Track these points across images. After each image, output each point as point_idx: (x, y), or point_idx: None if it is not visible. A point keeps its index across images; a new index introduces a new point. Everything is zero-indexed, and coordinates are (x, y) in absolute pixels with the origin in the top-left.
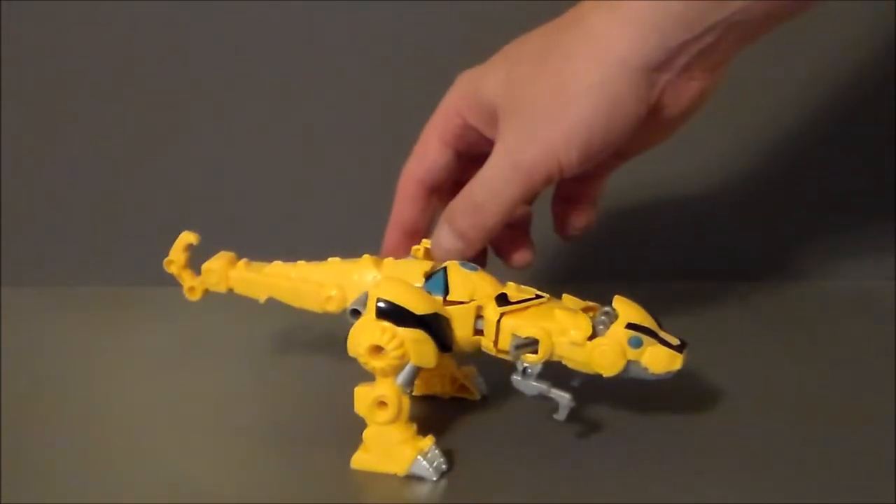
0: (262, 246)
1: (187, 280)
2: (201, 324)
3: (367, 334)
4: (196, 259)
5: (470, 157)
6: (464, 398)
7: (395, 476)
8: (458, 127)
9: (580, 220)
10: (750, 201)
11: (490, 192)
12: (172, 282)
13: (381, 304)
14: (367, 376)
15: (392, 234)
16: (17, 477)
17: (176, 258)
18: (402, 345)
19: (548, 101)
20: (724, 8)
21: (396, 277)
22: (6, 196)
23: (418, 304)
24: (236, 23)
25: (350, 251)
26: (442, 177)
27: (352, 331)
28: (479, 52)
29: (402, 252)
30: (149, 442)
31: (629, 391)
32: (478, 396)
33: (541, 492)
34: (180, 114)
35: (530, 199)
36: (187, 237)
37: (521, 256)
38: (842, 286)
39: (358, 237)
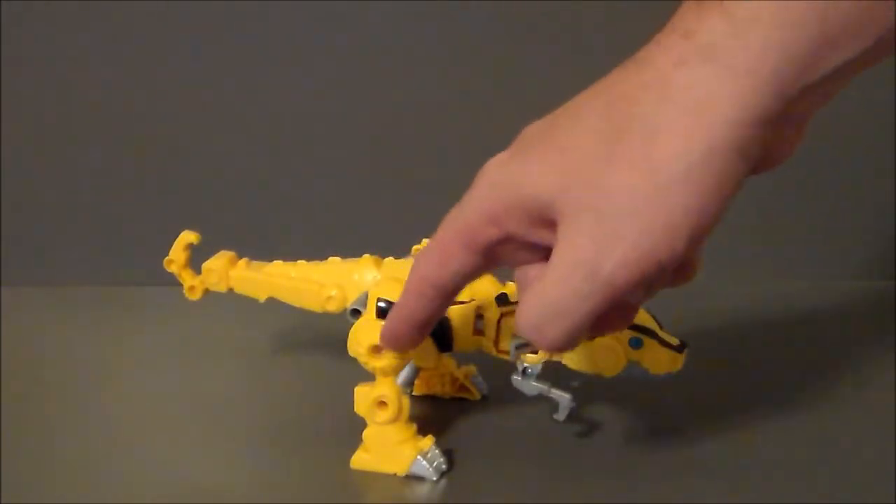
0: (262, 245)
1: (187, 279)
2: (201, 324)
3: (367, 334)
4: (196, 258)
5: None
6: (464, 398)
7: (395, 476)
8: (494, 237)
9: (620, 324)
10: (749, 201)
11: (550, 317)
12: (172, 282)
13: (382, 304)
14: (367, 376)
15: (402, 327)
16: (17, 477)
17: (176, 257)
18: None
19: (634, 191)
20: (852, 43)
21: (397, 277)
22: (6, 196)
23: None
24: (237, 22)
25: (350, 251)
26: (466, 282)
27: (352, 330)
28: (482, 54)
29: (410, 343)
30: (149, 442)
31: (629, 391)
32: (478, 396)
33: (541, 492)
34: (180, 114)
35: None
36: (187, 237)
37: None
38: (842, 286)
39: (358, 237)
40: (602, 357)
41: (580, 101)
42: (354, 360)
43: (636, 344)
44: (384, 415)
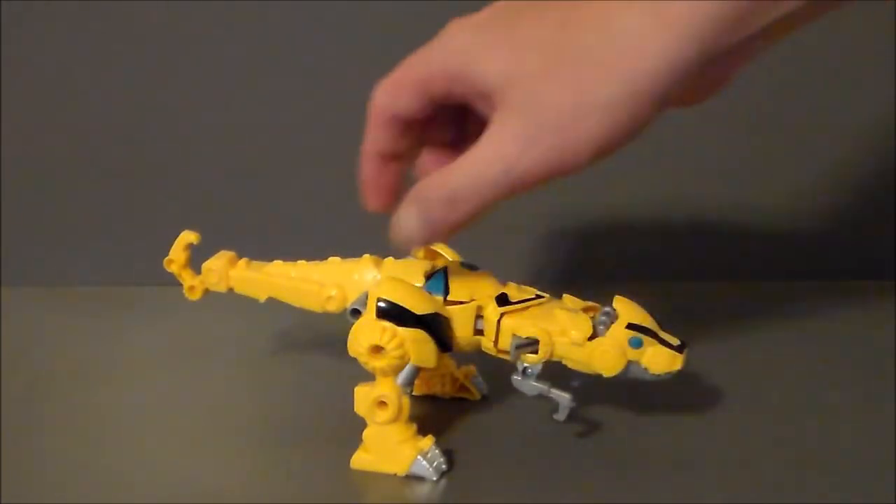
0: (261, 245)
1: (187, 279)
2: (201, 324)
3: (367, 334)
4: (196, 258)
5: (447, 106)
6: (464, 398)
7: (394, 476)
8: (444, 91)
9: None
10: (749, 201)
11: (472, 189)
12: (172, 282)
13: (382, 304)
14: (367, 376)
15: (369, 163)
16: (17, 477)
17: (176, 257)
18: (402, 345)
19: (561, 109)
20: (772, 9)
21: (397, 277)
22: (6, 196)
23: (418, 304)
24: (239, 22)
25: (350, 251)
26: (418, 120)
27: (352, 330)
28: None
29: (386, 183)
30: (148, 442)
31: (629, 391)
32: (478, 396)
33: (540, 491)
34: (181, 113)
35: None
36: (187, 236)
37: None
38: (842, 286)
39: (358, 237)
40: (602, 357)
41: (545, 4)
42: (354, 360)
43: (636, 344)
44: (384, 415)
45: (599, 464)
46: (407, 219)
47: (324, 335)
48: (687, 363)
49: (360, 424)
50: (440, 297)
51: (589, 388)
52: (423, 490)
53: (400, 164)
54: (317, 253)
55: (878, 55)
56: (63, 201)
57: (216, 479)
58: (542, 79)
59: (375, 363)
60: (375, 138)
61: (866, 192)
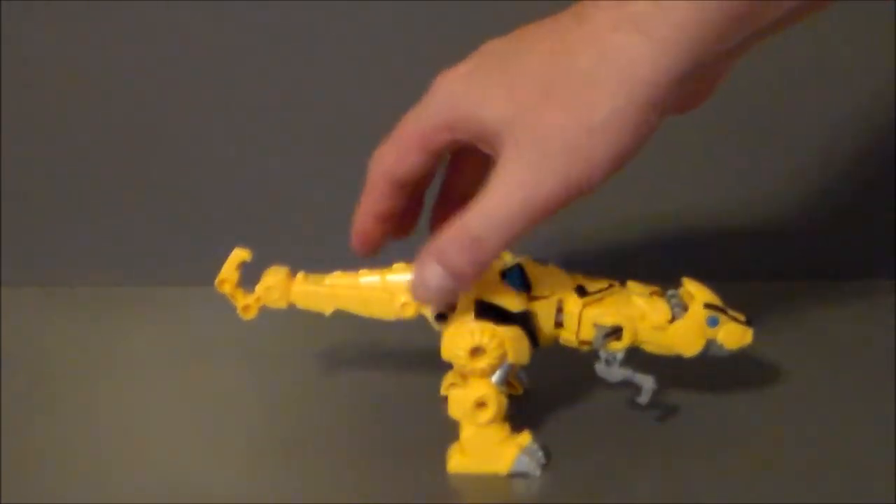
0: (264, 248)
1: (241, 299)
2: (201, 324)
3: (466, 336)
4: (197, 259)
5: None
6: (507, 393)
7: (397, 476)
8: (446, 142)
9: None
10: (749, 202)
11: (493, 228)
12: (172, 282)
13: (480, 304)
14: (366, 376)
15: (365, 221)
16: (17, 477)
17: (228, 276)
18: (502, 344)
19: (568, 131)
20: (762, 14)
21: (485, 279)
22: (6, 196)
23: (513, 302)
24: (244, 23)
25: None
26: (421, 178)
27: (448, 334)
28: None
29: (378, 237)
30: (149, 442)
31: (628, 392)
32: (521, 391)
33: (544, 491)
34: (181, 114)
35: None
36: (240, 254)
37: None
38: (842, 286)
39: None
40: (684, 337)
41: (531, 39)
42: (353, 359)
43: (714, 322)
44: (485, 415)
45: (600, 462)
46: (432, 275)
47: (324, 335)
48: (686, 363)
49: (360, 424)
50: (524, 294)
51: (589, 388)
52: (424, 490)
53: (395, 220)
54: (327, 258)
55: (877, 55)
56: (63, 201)
57: (216, 480)
58: (544, 107)
59: (475, 364)
60: (375, 201)
61: (866, 192)
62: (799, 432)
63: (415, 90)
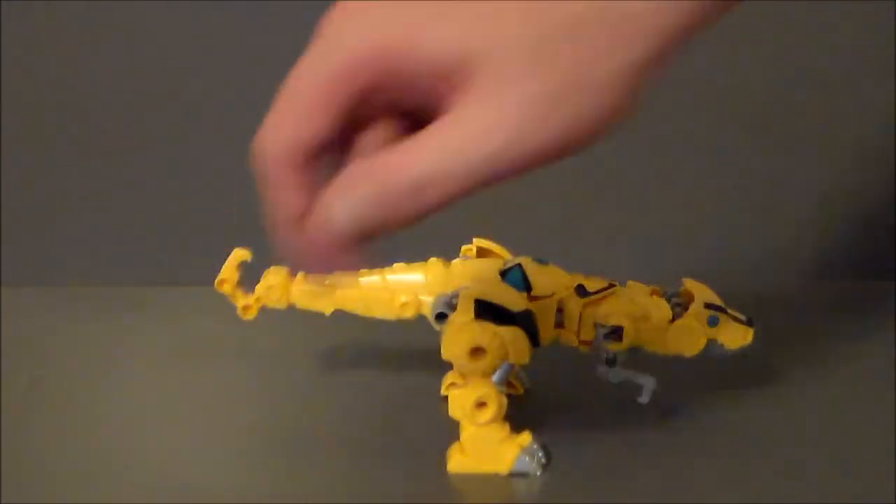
0: (264, 248)
1: (241, 299)
2: (201, 324)
3: (467, 336)
4: (197, 259)
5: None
6: (508, 394)
7: (397, 476)
8: (361, 90)
9: None
10: (749, 202)
11: (448, 172)
12: (172, 282)
13: (481, 304)
14: (366, 376)
15: (288, 230)
16: (17, 477)
17: (228, 277)
18: (502, 344)
19: (566, 78)
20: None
21: (488, 279)
22: (6, 196)
23: (514, 302)
24: (245, 23)
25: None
26: (326, 147)
27: (448, 334)
28: None
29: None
30: (149, 442)
31: (628, 392)
32: (521, 391)
33: (544, 491)
34: (181, 114)
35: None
36: (240, 254)
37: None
38: (842, 286)
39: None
40: (685, 337)
41: None
42: (353, 359)
43: (714, 322)
44: (485, 415)
45: (599, 464)
46: (343, 206)
47: (323, 335)
48: (686, 364)
49: (360, 424)
50: (524, 294)
51: (589, 389)
52: (426, 489)
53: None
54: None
55: (878, 56)
56: (63, 201)
57: (216, 480)
58: (535, 47)
59: (475, 365)
60: (285, 199)
61: (866, 193)
62: (799, 432)
63: None
